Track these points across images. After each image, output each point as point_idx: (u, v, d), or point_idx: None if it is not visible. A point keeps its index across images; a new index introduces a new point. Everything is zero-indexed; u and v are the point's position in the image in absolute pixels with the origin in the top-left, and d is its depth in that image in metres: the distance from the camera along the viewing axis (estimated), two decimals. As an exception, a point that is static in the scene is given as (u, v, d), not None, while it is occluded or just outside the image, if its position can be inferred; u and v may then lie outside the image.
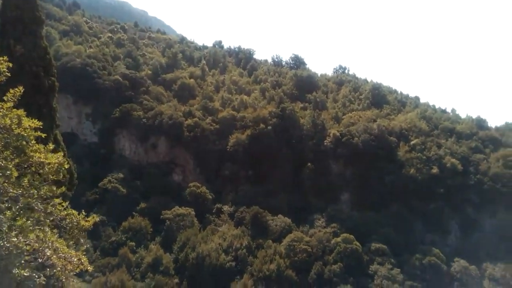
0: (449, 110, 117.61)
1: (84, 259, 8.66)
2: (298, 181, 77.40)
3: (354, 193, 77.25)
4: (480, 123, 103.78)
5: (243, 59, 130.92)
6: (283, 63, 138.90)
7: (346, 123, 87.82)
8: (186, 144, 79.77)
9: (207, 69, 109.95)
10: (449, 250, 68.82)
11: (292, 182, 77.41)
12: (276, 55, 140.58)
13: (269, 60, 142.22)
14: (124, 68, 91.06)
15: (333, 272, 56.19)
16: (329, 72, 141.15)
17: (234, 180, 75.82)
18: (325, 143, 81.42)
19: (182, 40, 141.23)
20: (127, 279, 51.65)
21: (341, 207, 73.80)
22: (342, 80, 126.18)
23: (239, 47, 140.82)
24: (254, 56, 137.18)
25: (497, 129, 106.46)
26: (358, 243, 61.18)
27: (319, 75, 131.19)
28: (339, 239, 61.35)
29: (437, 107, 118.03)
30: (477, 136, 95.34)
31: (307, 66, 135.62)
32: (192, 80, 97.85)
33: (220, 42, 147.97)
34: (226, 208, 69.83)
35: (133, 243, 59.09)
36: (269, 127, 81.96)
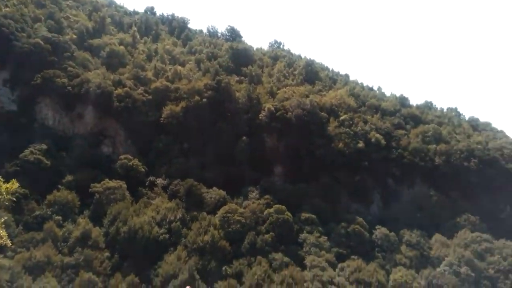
0: (375, 88, 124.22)
1: (2, 233, 7.85)
2: (233, 154, 77.72)
3: (286, 166, 79.48)
4: (402, 101, 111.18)
5: (177, 28, 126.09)
6: (219, 34, 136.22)
7: (280, 98, 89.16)
8: (116, 115, 75.92)
9: (138, 37, 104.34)
10: (371, 218, 74.07)
11: (227, 155, 77.56)
12: (212, 26, 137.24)
13: (204, 31, 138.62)
14: (45, 31, 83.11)
15: (265, 242, 58.04)
16: (265, 46, 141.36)
17: (168, 152, 74.12)
18: (260, 117, 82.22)
19: (111, 3, 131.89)
20: (54, 254, 49.11)
21: (274, 180, 75.73)
22: (277, 55, 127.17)
23: (172, 15, 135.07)
24: (189, 26, 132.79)
25: (417, 107, 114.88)
26: (289, 214, 63.57)
27: (255, 48, 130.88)
28: (271, 210, 63.20)
29: (365, 84, 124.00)
30: (400, 113, 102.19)
31: (243, 39, 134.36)
32: (122, 47, 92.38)
33: (152, 8, 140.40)
34: (159, 181, 68.28)
35: (60, 217, 55.84)
36: (204, 100, 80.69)
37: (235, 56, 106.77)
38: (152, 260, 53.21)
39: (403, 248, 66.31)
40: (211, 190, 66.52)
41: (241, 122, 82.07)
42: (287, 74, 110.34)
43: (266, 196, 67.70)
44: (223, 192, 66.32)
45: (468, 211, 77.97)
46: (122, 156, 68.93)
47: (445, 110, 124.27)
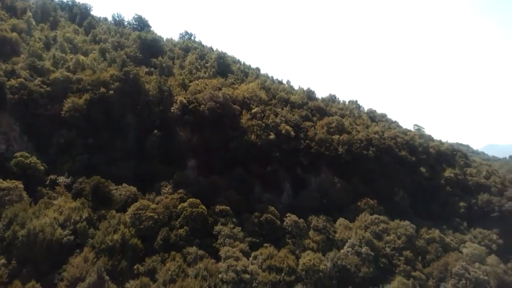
0: (285, 81, 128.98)
1: None
2: (143, 148, 75.11)
3: (200, 159, 79.04)
4: (309, 94, 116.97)
5: (78, 14, 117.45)
6: (125, 23, 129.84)
7: (193, 91, 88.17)
8: (10, 109, 68.57)
9: (34, 23, 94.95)
10: (282, 207, 77.12)
11: (137, 149, 74.75)
12: (117, 14, 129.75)
13: (109, 19, 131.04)
14: None
15: (179, 236, 57.34)
16: (175, 37, 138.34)
17: (71, 148, 69.01)
18: (172, 110, 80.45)
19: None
20: None
21: (187, 173, 74.90)
22: (188, 46, 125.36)
23: (73, 1, 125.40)
24: (92, 13, 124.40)
25: (323, 100, 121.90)
26: (203, 207, 63.48)
27: (165, 39, 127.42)
28: (185, 204, 62.51)
29: (275, 78, 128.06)
30: (307, 106, 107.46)
31: (151, 29, 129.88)
32: (15, 34, 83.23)
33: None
34: (62, 179, 63.26)
35: None
36: (111, 92, 76.56)
37: (143, 46, 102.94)
38: (55, 264, 49.42)
39: (311, 233, 70.29)
40: (120, 186, 63.60)
41: (152, 115, 79.58)
42: (199, 67, 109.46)
43: (180, 190, 66.72)
44: (133, 188, 63.86)
45: (367, 195, 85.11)
46: (17, 154, 62.53)
47: (347, 103, 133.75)
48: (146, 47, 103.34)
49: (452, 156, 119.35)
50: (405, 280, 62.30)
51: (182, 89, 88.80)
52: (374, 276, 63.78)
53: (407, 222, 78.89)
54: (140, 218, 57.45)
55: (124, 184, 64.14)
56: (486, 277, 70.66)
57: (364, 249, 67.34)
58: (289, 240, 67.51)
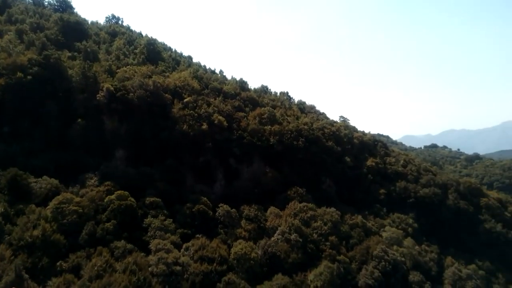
0: (217, 71, 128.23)
1: None
2: (67, 138, 70.67)
3: (129, 150, 76.21)
4: (242, 85, 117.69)
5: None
6: (46, 3, 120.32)
7: (120, 78, 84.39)
8: None
9: None
10: (215, 197, 77.21)
11: (60, 139, 70.17)
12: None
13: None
14: None
15: (106, 230, 55.08)
16: (101, 21, 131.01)
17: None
18: (97, 98, 76.35)
19: None
20: None
21: (115, 164, 71.87)
22: (115, 31, 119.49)
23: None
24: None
25: (255, 90, 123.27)
26: (133, 199, 61.48)
27: (89, 22, 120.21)
28: (113, 196, 60.08)
29: (207, 67, 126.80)
30: (240, 96, 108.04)
31: (75, 10, 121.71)
32: None
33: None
34: (-29, 172, 57.61)
35: None
36: (29, 77, 70.86)
37: (66, 29, 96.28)
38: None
39: (243, 222, 71.31)
40: (40, 179, 59.26)
41: (75, 103, 74.99)
42: (127, 53, 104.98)
43: (107, 183, 63.86)
44: (55, 181, 59.85)
45: (297, 184, 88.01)
46: None
47: (278, 94, 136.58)
48: (69, 30, 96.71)
49: (374, 146, 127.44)
50: (331, 264, 65.68)
51: (109, 76, 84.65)
52: (302, 262, 66.43)
53: (333, 209, 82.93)
54: (63, 213, 54.18)
55: (44, 177, 59.91)
56: (403, 258, 76.95)
57: (293, 236, 69.76)
58: (221, 230, 67.86)
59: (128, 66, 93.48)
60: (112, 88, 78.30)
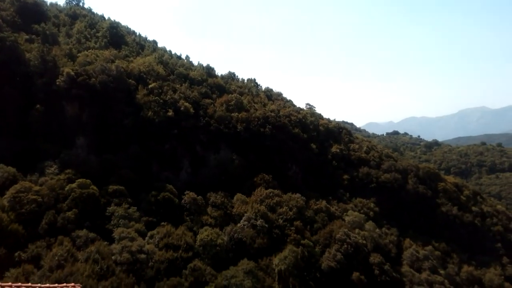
0: (183, 57, 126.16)
1: None
2: (24, 125, 67.89)
3: (91, 137, 74.21)
4: (209, 71, 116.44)
5: None
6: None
7: (81, 62, 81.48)
8: None
9: None
10: (181, 185, 76.76)
11: (17, 126, 67.35)
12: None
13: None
14: None
15: (67, 219, 53.80)
16: (61, 2, 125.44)
17: None
18: (57, 83, 73.52)
19: None
20: None
21: (76, 152, 69.89)
22: (76, 13, 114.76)
23: None
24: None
25: (222, 77, 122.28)
26: (95, 187, 60.22)
27: (48, 3, 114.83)
28: (74, 185, 58.59)
29: (173, 53, 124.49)
30: (207, 82, 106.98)
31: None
32: None
33: None
34: None
35: None
36: (-18, 60, 67.24)
37: (23, 10, 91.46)
38: None
39: (209, 209, 71.48)
40: (-4, 167, 56.94)
41: (34, 88, 71.95)
42: (88, 36, 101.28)
43: (68, 171, 62.15)
44: (12, 169, 57.58)
45: (263, 171, 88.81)
46: None
47: (245, 81, 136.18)
48: (26, 11, 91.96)
49: (339, 133, 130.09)
50: (295, 248, 67.16)
51: (69, 60, 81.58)
52: (268, 246, 67.57)
53: (298, 195, 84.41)
54: (21, 202, 52.37)
55: (1, 165, 57.54)
56: (364, 241, 79.72)
57: (259, 222, 70.69)
58: (187, 218, 67.75)
59: (90, 50, 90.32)
60: (72, 73, 75.60)
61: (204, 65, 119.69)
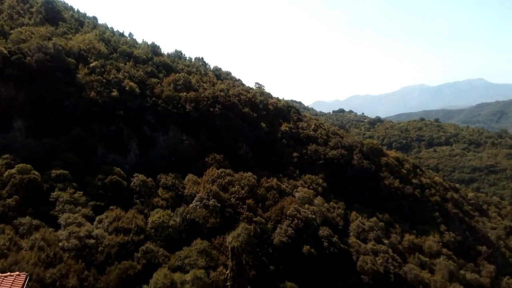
0: (126, 34, 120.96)
1: None
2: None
3: (29, 119, 69.66)
4: (154, 49, 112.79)
5: None
6: None
7: (15, 40, 75.62)
8: None
9: None
10: (129, 167, 74.66)
11: None
12: None
13: None
14: None
15: (8, 207, 50.63)
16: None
17: None
18: (-13, 62, 67.88)
19: None
20: None
21: (14, 136, 65.50)
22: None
23: None
24: None
25: (169, 55, 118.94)
26: (36, 172, 56.97)
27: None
28: (13, 170, 55.07)
29: (115, 30, 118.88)
30: (152, 61, 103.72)
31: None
32: None
33: None
34: None
35: None
36: None
37: None
38: None
39: (160, 191, 70.28)
40: None
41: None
42: (21, 11, 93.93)
43: (5, 156, 58.23)
44: None
45: (214, 151, 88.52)
46: None
47: (193, 59, 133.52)
48: None
49: (288, 112, 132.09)
50: (248, 226, 68.15)
51: (1, 38, 75.36)
52: (221, 225, 67.99)
53: (249, 173, 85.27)
54: (-47, 191, 48.52)
55: None
56: (313, 216, 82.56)
57: (211, 202, 70.74)
58: (137, 200, 66.26)
59: (24, 27, 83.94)
60: (5, 51, 70.12)
61: (149, 43, 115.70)
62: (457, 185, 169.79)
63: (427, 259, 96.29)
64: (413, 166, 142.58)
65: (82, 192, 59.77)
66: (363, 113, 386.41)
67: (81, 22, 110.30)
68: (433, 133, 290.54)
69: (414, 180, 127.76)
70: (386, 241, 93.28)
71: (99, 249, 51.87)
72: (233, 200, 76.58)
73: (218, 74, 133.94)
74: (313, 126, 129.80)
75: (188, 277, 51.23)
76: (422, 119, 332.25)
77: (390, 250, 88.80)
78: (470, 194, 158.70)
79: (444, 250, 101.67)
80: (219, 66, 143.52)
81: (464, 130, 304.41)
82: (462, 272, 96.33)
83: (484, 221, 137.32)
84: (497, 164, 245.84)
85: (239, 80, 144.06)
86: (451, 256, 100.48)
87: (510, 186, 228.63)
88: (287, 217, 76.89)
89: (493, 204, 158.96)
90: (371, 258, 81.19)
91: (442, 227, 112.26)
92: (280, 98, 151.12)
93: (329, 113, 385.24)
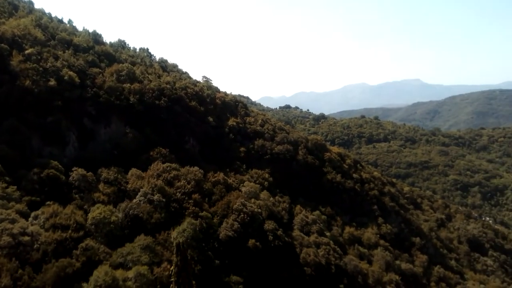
0: (65, 20, 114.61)
1: None
2: None
3: (-47, 108, 64.00)
4: (96, 38, 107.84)
5: None
6: None
7: None
8: None
9: None
10: (67, 160, 70.94)
11: None
12: None
13: None
14: None
15: None
16: None
17: None
18: None
19: None
20: None
21: None
22: None
23: None
24: None
25: (111, 45, 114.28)
26: (-38, 166, 52.55)
27: None
28: None
29: (53, 15, 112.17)
30: (94, 50, 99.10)
31: None
32: None
33: None
34: None
35: None
36: None
37: None
38: None
39: (101, 186, 67.54)
40: None
41: None
42: None
43: None
44: None
45: (160, 144, 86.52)
46: None
47: (137, 50, 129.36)
48: None
49: (235, 106, 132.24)
50: (194, 221, 67.52)
51: None
52: (165, 221, 66.74)
53: (196, 168, 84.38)
54: None
55: None
56: (259, 210, 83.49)
57: (156, 197, 69.21)
58: (77, 196, 63.25)
59: None
60: None
61: (91, 31, 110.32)
62: (394, 180, 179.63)
63: (366, 250, 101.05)
64: (354, 161, 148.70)
65: (15, 187, 56.09)
66: (308, 110, 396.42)
67: (15, 6, 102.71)
68: (373, 130, 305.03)
69: (354, 175, 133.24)
70: (328, 234, 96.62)
71: (35, 246, 49.04)
72: (178, 195, 75.42)
73: (164, 66, 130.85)
74: (260, 121, 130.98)
75: (130, 274, 49.92)
76: (363, 117, 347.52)
77: (331, 242, 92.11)
78: (406, 188, 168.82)
79: (382, 242, 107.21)
80: (165, 57, 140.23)
81: (401, 128, 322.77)
82: (397, 262, 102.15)
83: (418, 214, 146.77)
84: (430, 160, 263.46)
85: (186, 73, 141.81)
86: (388, 247, 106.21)
87: (442, 181, 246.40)
88: (234, 212, 77.15)
89: (426, 198, 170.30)
90: (313, 250, 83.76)
91: (380, 220, 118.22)
92: (228, 92, 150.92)
93: (276, 108, 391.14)
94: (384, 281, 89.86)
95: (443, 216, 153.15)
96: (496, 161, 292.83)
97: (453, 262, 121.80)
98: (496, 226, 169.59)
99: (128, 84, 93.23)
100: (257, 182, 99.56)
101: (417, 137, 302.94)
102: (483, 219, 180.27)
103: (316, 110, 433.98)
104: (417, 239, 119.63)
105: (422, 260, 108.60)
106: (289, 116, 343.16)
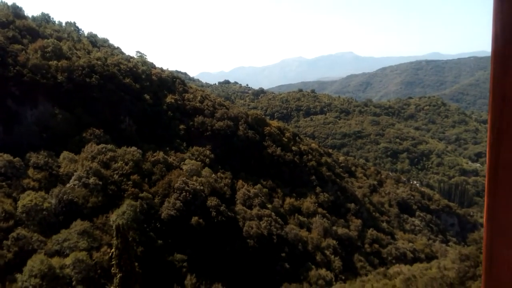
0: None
1: None
2: None
3: None
4: (16, 11, 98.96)
5: None
6: None
7: None
8: None
9: None
10: (-10, 146, 65.75)
11: None
12: None
13: None
14: None
15: None
16: None
17: None
18: None
19: None
20: None
21: None
22: None
23: None
24: None
25: (34, 19, 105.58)
26: None
27: None
28: None
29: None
30: (14, 25, 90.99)
31: None
32: None
33: None
34: None
35: None
36: None
37: None
38: None
39: (30, 171, 63.61)
40: None
41: None
42: None
43: None
44: None
45: (93, 125, 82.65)
46: None
47: (64, 24, 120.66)
48: None
49: (173, 83, 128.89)
50: (134, 202, 66.18)
51: None
52: (103, 204, 64.81)
53: (134, 148, 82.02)
54: None
55: None
56: (201, 187, 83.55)
57: (91, 180, 66.63)
58: (4, 183, 59.18)
59: None
60: None
61: (9, 3, 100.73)
62: (330, 150, 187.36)
63: (305, 219, 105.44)
64: (293, 134, 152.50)
65: None
66: (247, 85, 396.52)
67: None
68: (310, 103, 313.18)
69: (293, 148, 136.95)
70: (269, 206, 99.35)
71: (-43, 241, 45.54)
72: (116, 177, 73.21)
73: (94, 41, 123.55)
74: (199, 97, 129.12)
75: (68, 260, 48.30)
76: (300, 90, 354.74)
77: (273, 213, 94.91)
78: (341, 158, 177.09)
79: (320, 210, 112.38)
80: (94, 32, 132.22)
81: (336, 100, 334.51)
82: (334, 228, 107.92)
83: (353, 181, 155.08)
84: (363, 130, 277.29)
85: (118, 48, 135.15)
86: (325, 214, 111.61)
87: (374, 149, 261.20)
88: (175, 191, 76.56)
89: (359, 166, 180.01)
90: (256, 223, 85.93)
91: (318, 189, 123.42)
92: (165, 68, 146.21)
93: (215, 84, 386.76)
94: (323, 246, 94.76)
95: (375, 182, 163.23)
96: (422, 128, 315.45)
97: (384, 224, 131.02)
98: (422, 189, 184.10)
99: (55, 61, 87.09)
100: (199, 159, 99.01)
101: (351, 109, 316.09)
102: (411, 182, 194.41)
103: (255, 85, 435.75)
104: (352, 205, 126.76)
105: (357, 225, 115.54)
106: (229, 91, 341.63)
